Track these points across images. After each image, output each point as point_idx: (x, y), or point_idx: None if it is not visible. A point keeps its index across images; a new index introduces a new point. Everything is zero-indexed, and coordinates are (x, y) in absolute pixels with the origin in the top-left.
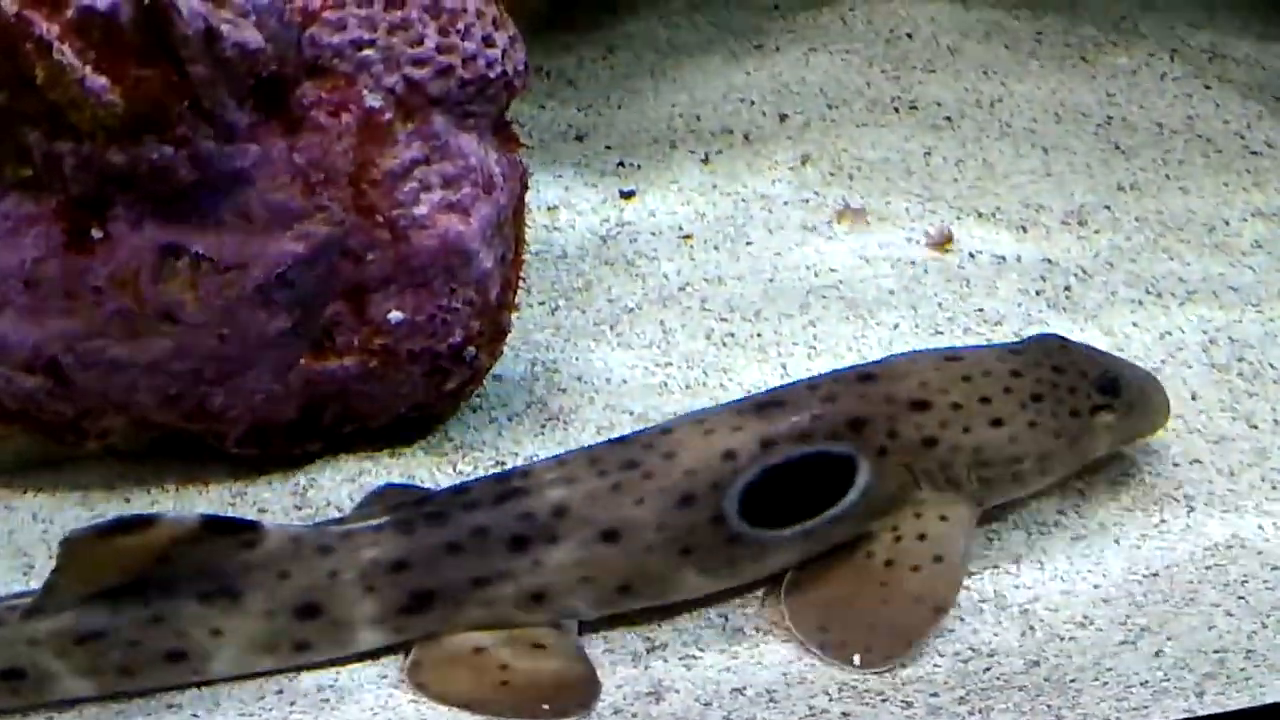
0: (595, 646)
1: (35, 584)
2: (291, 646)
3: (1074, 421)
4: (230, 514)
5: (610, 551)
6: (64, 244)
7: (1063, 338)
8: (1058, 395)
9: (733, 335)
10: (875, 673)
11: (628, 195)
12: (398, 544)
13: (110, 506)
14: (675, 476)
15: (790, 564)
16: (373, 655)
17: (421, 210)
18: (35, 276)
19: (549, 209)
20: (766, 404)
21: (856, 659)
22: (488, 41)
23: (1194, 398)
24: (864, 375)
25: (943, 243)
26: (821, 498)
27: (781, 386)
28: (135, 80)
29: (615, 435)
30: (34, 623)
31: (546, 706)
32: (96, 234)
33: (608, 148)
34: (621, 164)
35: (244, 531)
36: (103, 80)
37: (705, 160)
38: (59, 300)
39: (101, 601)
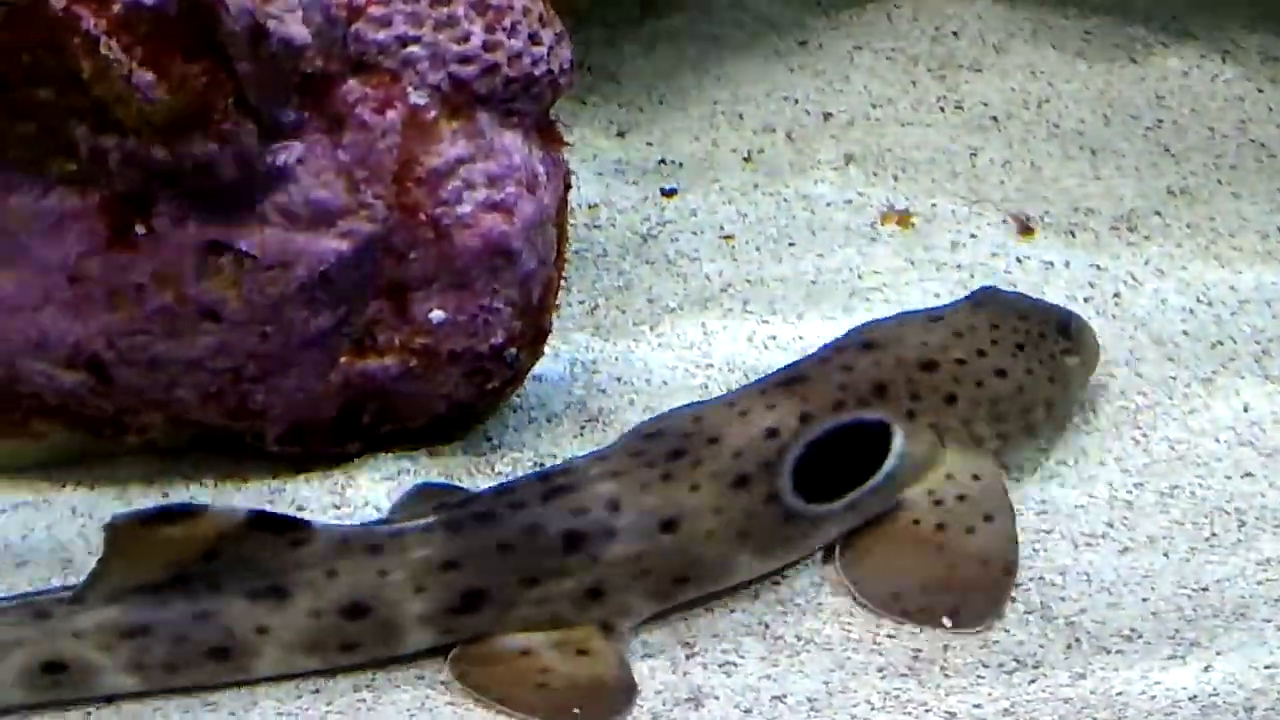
0: (634, 651)
1: (75, 579)
2: (338, 646)
3: (1055, 365)
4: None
5: (669, 541)
6: (107, 240)
7: (993, 287)
8: (1034, 342)
9: (775, 338)
10: (969, 632)
11: (669, 193)
12: (448, 544)
13: (148, 502)
14: (726, 460)
15: (832, 538)
16: (410, 656)
17: (465, 209)
18: (78, 272)
19: (589, 207)
20: (789, 380)
21: (947, 621)
22: (534, 39)
23: (1246, 409)
24: (865, 344)
25: (1029, 228)
26: (851, 468)
27: (788, 366)
28: (181, 76)
29: (633, 430)
30: (78, 615)
31: (577, 711)
32: (140, 230)
33: (649, 144)
34: (663, 161)
35: (291, 529)
36: (149, 76)
37: (747, 158)
38: (101, 296)
39: (147, 595)
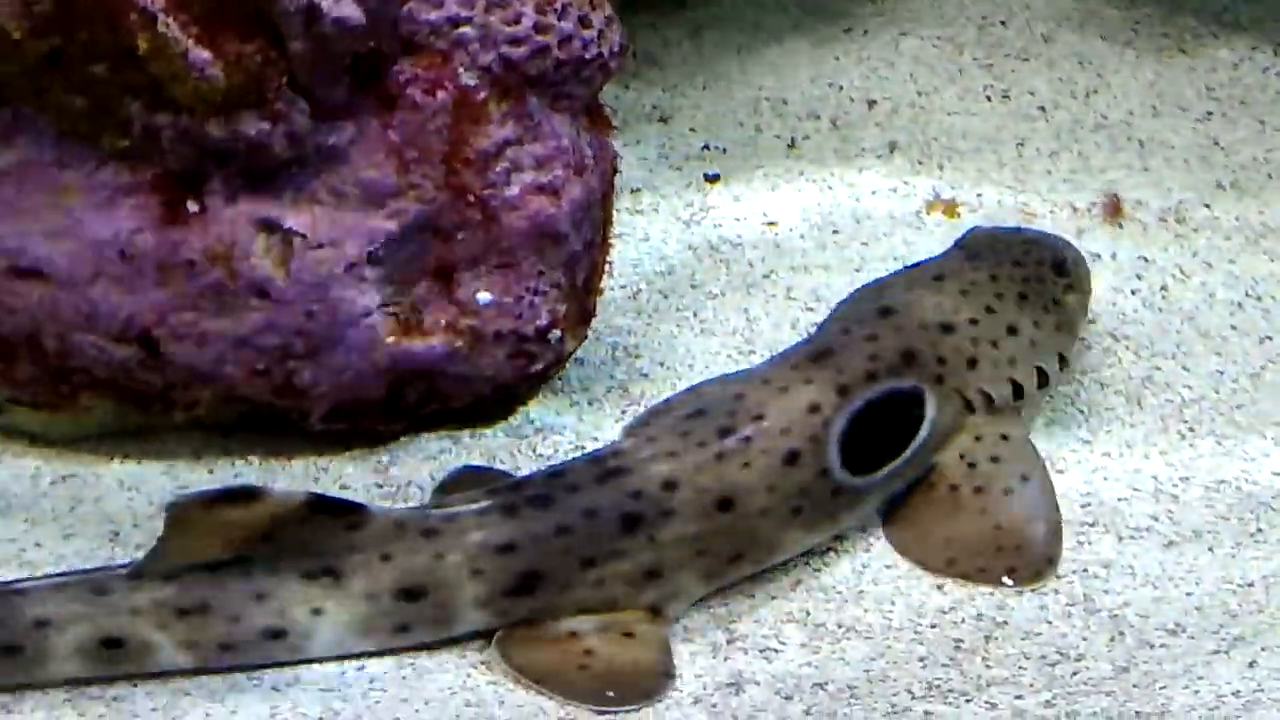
0: (676, 637)
1: (121, 550)
2: (392, 628)
3: (1059, 310)
4: (318, 490)
5: (726, 520)
6: (160, 216)
7: (984, 228)
8: (1036, 289)
9: (818, 324)
10: (1027, 589)
11: (712, 180)
12: (504, 527)
13: (195, 477)
14: (775, 436)
15: (872, 508)
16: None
17: (513, 191)
18: (130, 248)
19: (632, 192)
20: (818, 354)
21: (1007, 580)
22: (584, 22)
23: None
24: (882, 309)
25: (1115, 212)
26: (881, 437)
27: (809, 339)
28: (236, 55)
29: (673, 414)
30: (136, 592)
31: (611, 694)
32: (192, 207)
33: (692, 130)
34: (706, 148)
35: (348, 512)
36: (205, 54)
37: (791, 145)
38: (153, 272)
39: (204, 574)
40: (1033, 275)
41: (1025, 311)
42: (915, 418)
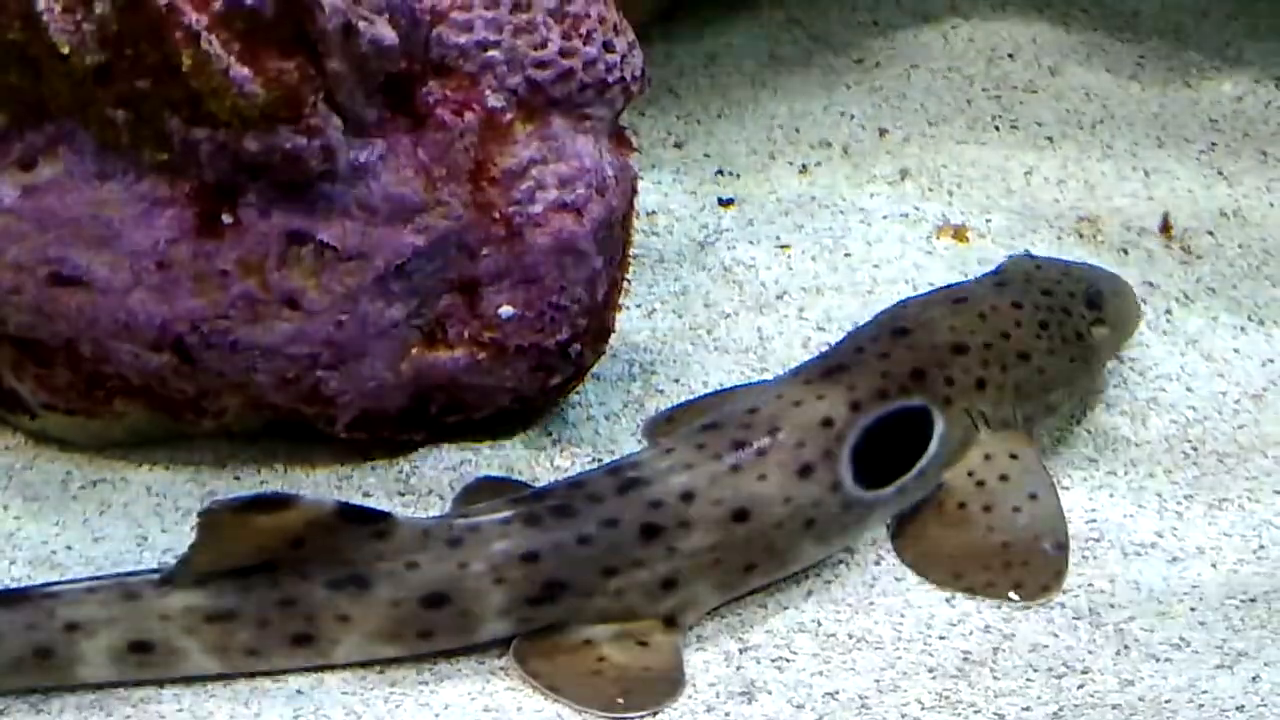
0: (689, 646)
1: (149, 555)
2: (416, 635)
3: (1079, 342)
4: (341, 498)
5: (742, 531)
6: (196, 227)
7: (1029, 254)
8: (1059, 319)
9: (829, 344)
10: (1038, 604)
11: (726, 203)
12: (528, 536)
13: (221, 484)
14: (790, 449)
15: (881, 523)
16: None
17: (536, 209)
18: (167, 257)
19: (648, 214)
20: (830, 369)
21: (1014, 594)
22: (608, 47)
23: None
24: (896, 330)
25: (1168, 228)
26: (891, 453)
27: (824, 355)
28: (275, 72)
29: (688, 426)
30: (166, 597)
31: (621, 701)
32: (227, 219)
33: (706, 155)
34: (720, 172)
35: (375, 521)
36: (246, 71)
37: (803, 171)
38: (188, 281)
39: (233, 580)
40: (1059, 306)
41: (1042, 340)
42: (925, 435)
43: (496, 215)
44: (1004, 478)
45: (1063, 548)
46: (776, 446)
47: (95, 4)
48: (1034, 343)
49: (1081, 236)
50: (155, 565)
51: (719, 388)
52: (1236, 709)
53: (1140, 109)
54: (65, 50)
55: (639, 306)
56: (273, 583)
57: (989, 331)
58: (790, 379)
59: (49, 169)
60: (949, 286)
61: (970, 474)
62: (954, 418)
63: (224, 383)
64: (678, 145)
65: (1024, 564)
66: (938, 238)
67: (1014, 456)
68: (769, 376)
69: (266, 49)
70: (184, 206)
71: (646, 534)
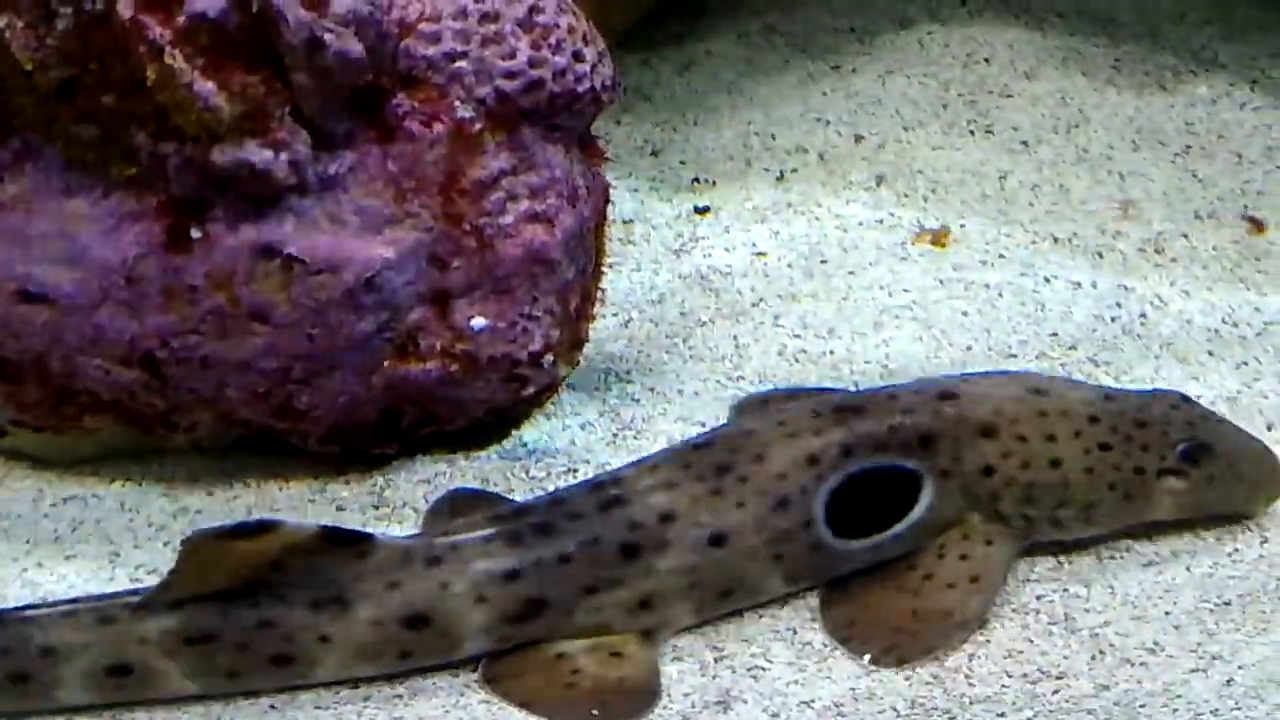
0: (664, 655)
1: (122, 571)
2: (397, 655)
3: (1135, 479)
4: (313, 511)
5: (717, 556)
6: (164, 242)
7: (1187, 396)
8: (1127, 449)
9: (805, 352)
10: (885, 670)
11: (702, 211)
12: (509, 555)
13: (194, 500)
14: (769, 479)
15: (853, 569)
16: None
17: (507, 219)
18: (135, 273)
19: (624, 222)
20: (845, 408)
21: (867, 657)
22: (577, 57)
23: (1269, 429)
24: (945, 392)
25: (1261, 226)
26: (881, 506)
27: (863, 390)
28: (240, 86)
29: (681, 440)
30: (144, 621)
31: (596, 713)
32: (195, 233)
33: (682, 163)
34: (696, 180)
35: (357, 543)
36: (210, 85)
37: (780, 178)
38: (157, 296)
39: (212, 603)
40: (1140, 439)
41: (1088, 458)
42: (911, 500)
43: (467, 226)
44: (965, 557)
45: (962, 630)
46: (757, 475)
47: (58, 20)
48: (1077, 456)
49: (1056, 241)
50: (130, 583)
51: (692, 401)
52: (1211, 713)
53: (1116, 113)
54: (28, 67)
55: (615, 315)
56: (252, 604)
57: (1035, 427)
58: (803, 407)
59: (14, 185)
60: (1060, 377)
61: (941, 546)
62: (946, 492)
63: (194, 398)
64: (654, 153)
65: (910, 634)
66: (914, 243)
67: (989, 543)
68: (744, 384)
69: (231, 63)
70: (151, 221)
71: (626, 553)
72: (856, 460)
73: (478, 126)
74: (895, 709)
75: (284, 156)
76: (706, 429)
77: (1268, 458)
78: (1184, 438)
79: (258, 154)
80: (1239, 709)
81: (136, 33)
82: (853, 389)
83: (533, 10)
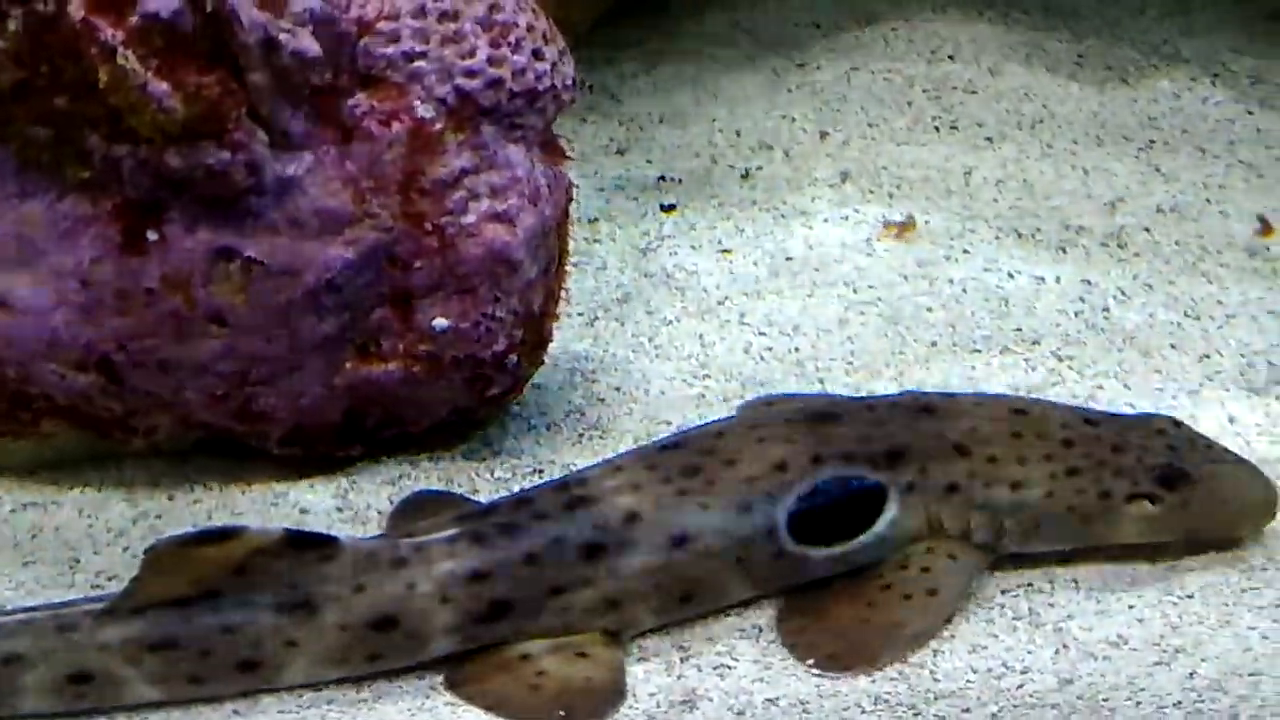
0: (630, 654)
1: (81, 577)
2: (364, 657)
3: (1098, 503)
4: (277, 515)
5: (680, 557)
6: (120, 245)
7: (1179, 422)
8: (1097, 474)
9: (771, 349)
10: (826, 677)
11: (668, 209)
12: (474, 555)
13: (154, 504)
14: (735, 484)
15: (815, 578)
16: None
17: (469, 219)
18: (91, 276)
19: (590, 221)
20: (821, 417)
21: (810, 660)
22: (537, 55)
23: (1231, 421)
24: (925, 407)
25: (1270, 228)
26: (849, 516)
27: (844, 398)
28: (195, 86)
29: (651, 441)
30: (106, 628)
31: (562, 713)
32: (151, 236)
33: (648, 161)
34: (662, 178)
35: (322, 545)
36: (164, 86)
37: (745, 175)
38: (113, 300)
39: (175, 609)
40: (1114, 464)
41: (1053, 481)
42: (875, 513)
43: (428, 226)
44: (926, 570)
45: (912, 643)
46: (724, 479)
47: (9, 21)
48: (1041, 480)
49: (1020, 235)
50: (90, 590)
51: (658, 400)
52: (1175, 705)
53: (1079, 107)
54: None
55: (581, 314)
56: (217, 609)
57: (1007, 449)
58: (779, 414)
59: None
60: (1034, 399)
61: (905, 557)
62: (911, 507)
63: (153, 401)
64: (620, 152)
65: (857, 642)
66: (880, 239)
67: (953, 557)
68: (710, 383)
69: (186, 64)
70: (107, 224)
71: (590, 553)
72: (824, 470)
73: (438, 126)
74: (860, 705)
75: (241, 157)
76: (674, 429)
77: (1256, 484)
78: (1161, 463)
79: (214, 155)
80: (1202, 701)
81: (88, 34)
82: (846, 396)
83: (492, 8)
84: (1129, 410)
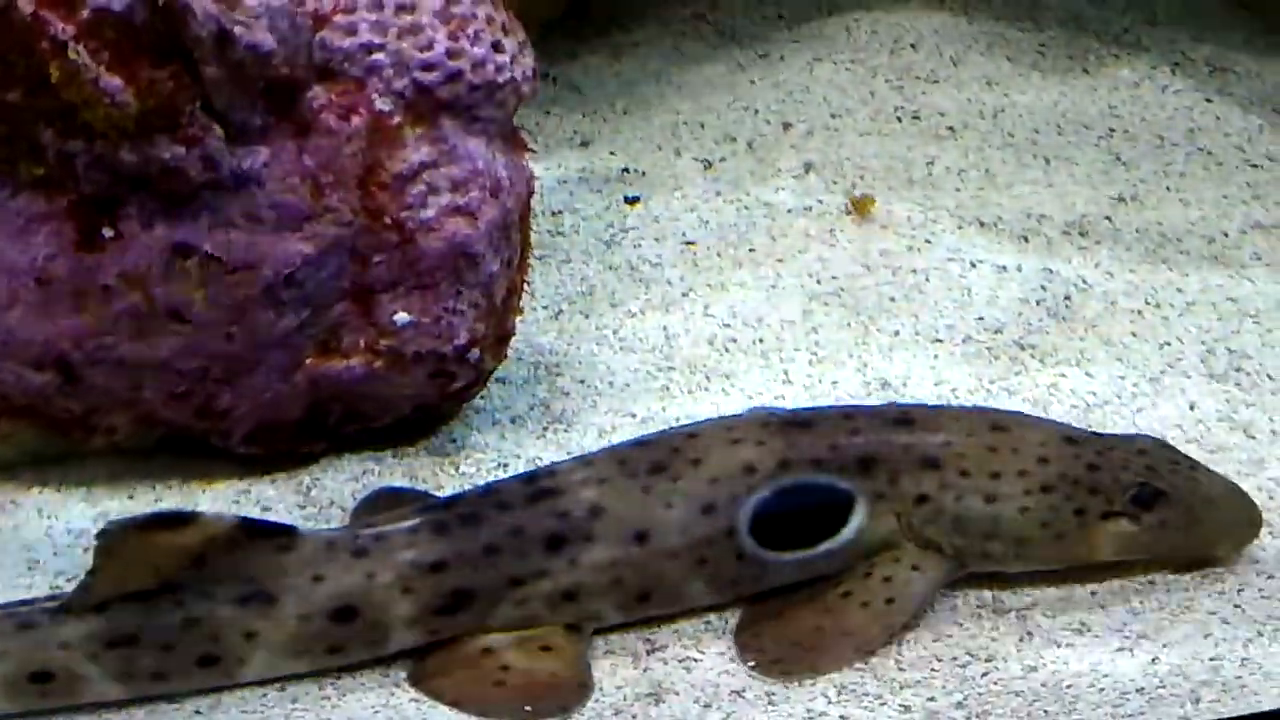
0: (596, 648)
1: (41, 578)
2: (325, 649)
3: (1072, 520)
4: (241, 512)
5: (640, 553)
6: (75, 242)
7: (1164, 442)
8: (1071, 491)
9: (735, 340)
10: (764, 680)
11: (632, 201)
12: (435, 545)
13: (115, 504)
14: (700, 483)
15: (780, 583)
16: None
17: (429, 213)
18: (46, 274)
19: (553, 214)
20: (794, 423)
21: (751, 662)
22: (497, 47)
23: (1192, 408)
24: (902, 418)
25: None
26: (818, 523)
27: (821, 407)
28: (148, 81)
29: (630, 437)
30: (65, 626)
31: (529, 708)
32: (107, 233)
33: (612, 153)
34: (626, 170)
35: (279, 535)
36: (116, 80)
37: (708, 167)
38: (69, 298)
39: (134, 604)
40: (1089, 482)
41: (1027, 498)
42: (842, 520)
43: (388, 220)
44: (888, 580)
45: (861, 652)
46: (690, 478)
47: None
48: (1014, 495)
49: (982, 225)
50: (50, 590)
51: (623, 393)
52: (1137, 691)
53: (1040, 97)
54: None
55: (545, 308)
56: (176, 603)
57: (980, 463)
58: (757, 417)
59: None
60: (1018, 414)
61: (870, 566)
62: (879, 515)
63: (111, 400)
64: (584, 144)
65: (805, 649)
66: (847, 214)
67: (916, 568)
68: (674, 375)
69: (138, 58)
70: (62, 221)
71: (551, 544)
72: (792, 475)
73: (396, 119)
74: (826, 695)
75: (196, 152)
76: (639, 421)
77: (1237, 504)
78: (1138, 482)
79: (169, 150)
80: (1164, 687)
81: (38, 28)
82: (833, 406)
83: (449, 1)
84: (1116, 414)
